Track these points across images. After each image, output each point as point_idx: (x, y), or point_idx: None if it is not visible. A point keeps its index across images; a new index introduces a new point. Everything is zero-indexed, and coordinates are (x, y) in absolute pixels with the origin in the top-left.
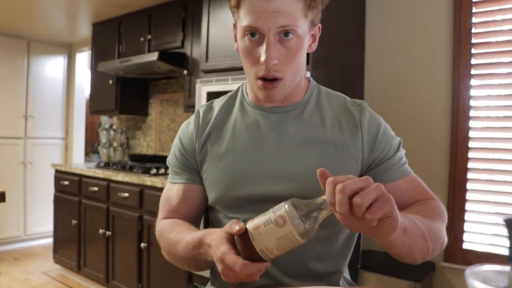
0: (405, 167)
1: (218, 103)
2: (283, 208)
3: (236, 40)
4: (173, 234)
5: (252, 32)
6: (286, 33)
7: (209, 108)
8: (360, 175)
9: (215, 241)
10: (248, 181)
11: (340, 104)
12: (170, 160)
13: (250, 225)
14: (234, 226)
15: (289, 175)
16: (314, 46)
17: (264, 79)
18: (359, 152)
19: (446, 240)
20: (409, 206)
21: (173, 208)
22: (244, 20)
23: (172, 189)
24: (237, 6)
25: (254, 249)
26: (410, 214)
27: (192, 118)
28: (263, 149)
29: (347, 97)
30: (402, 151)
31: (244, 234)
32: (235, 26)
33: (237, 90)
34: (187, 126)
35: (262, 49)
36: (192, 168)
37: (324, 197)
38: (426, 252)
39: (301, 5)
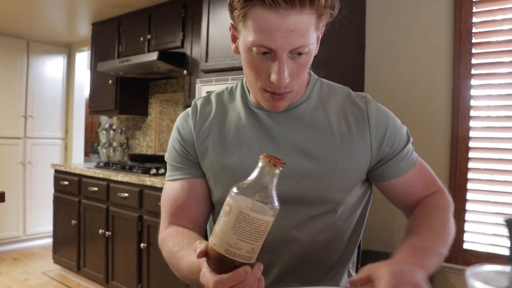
0: (413, 156)
1: (215, 97)
2: (227, 198)
3: (233, 41)
4: (177, 247)
5: (263, 52)
6: (299, 53)
7: (207, 101)
8: (369, 171)
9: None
10: None
11: (345, 95)
12: (169, 156)
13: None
14: (196, 249)
15: (297, 174)
16: (317, 48)
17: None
18: (367, 147)
19: (454, 228)
20: (419, 202)
21: (180, 206)
22: (254, 35)
23: (175, 186)
24: (244, 16)
25: (221, 255)
26: (426, 238)
27: (189, 110)
28: (269, 148)
29: (350, 89)
30: (410, 140)
31: (209, 251)
32: (234, 28)
33: (237, 85)
34: (186, 118)
35: (273, 68)
36: (193, 161)
37: (260, 161)
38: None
39: (314, 18)
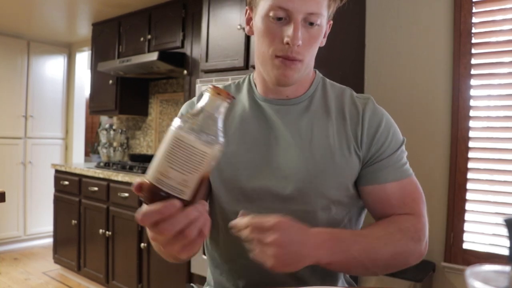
0: (402, 169)
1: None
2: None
3: (248, 24)
4: None
5: (279, 17)
6: (311, 23)
7: None
8: (359, 171)
9: None
10: (254, 172)
11: (347, 96)
12: None
13: None
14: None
15: (295, 167)
16: (324, 41)
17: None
18: (359, 147)
19: (405, 254)
20: (391, 215)
21: None
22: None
23: None
24: None
25: (151, 185)
26: (348, 237)
27: (195, 98)
28: (271, 142)
29: (353, 90)
30: (403, 152)
31: (143, 184)
32: (251, 8)
33: (244, 79)
34: (191, 106)
35: (288, 30)
36: None
37: (207, 92)
38: (373, 273)
39: None
